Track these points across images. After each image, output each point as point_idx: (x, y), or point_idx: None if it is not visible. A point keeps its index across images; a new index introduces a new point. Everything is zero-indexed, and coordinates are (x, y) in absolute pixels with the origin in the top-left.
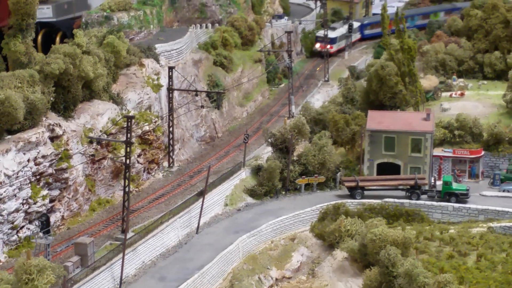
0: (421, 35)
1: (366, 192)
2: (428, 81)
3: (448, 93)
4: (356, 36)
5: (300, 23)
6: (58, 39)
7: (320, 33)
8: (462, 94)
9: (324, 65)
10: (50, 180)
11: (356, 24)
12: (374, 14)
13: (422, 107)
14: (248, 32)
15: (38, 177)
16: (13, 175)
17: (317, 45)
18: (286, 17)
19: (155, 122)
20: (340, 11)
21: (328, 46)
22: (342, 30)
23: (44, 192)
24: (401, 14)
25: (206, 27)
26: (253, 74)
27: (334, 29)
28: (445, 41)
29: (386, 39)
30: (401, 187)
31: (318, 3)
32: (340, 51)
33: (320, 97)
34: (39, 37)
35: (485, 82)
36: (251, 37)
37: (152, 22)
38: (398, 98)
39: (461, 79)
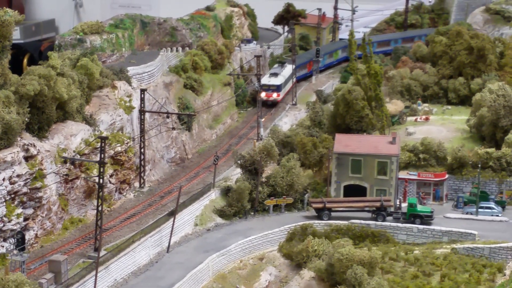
0: (387, 60)
1: (333, 214)
2: (394, 105)
3: (413, 118)
4: (293, 79)
5: (268, 48)
6: (25, 60)
7: (264, 80)
8: (427, 119)
9: (292, 90)
10: (25, 199)
11: (290, 68)
12: (341, 39)
13: (388, 131)
14: (217, 56)
15: (12, 195)
16: None
17: (263, 94)
18: (254, 42)
19: (127, 143)
20: (308, 36)
21: (275, 95)
22: (285, 72)
23: (19, 210)
24: (368, 40)
25: (177, 50)
26: (223, 97)
27: (276, 75)
28: (410, 66)
29: (353, 64)
30: (367, 208)
31: (286, 28)
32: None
33: (288, 120)
34: None
35: (449, 107)
36: (220, 60)
37: (124, 45)
38: (364, 122)
39: (426, 104)
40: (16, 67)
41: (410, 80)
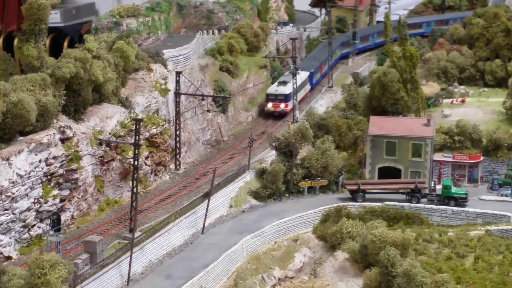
0: (424, 42)
1: (367, 195)
2: (430, 88)
3: (449, 100)
4: (306, 88)
5: (305, 30)
6: (66, 44)
7: (271, 89)
8: (463, 101)
9: (328, 73)
10: (61, 181)
11: (304, 74)
12: (378, 22)
13: (424, 113)
14: (253, 39)
15: (49, 177)
16: (25, 175)
17: (269, 105)
18: (291, 24)
19: (163, 125)
20: (345, 19)
21: (283, 105)
22: (297, 80)
23: (55, 192)
24: (403, 22)
25: (213, 33)
26: (258, 80)
27: (285, 83)
28: (447, 49)
29: (389, 46)
30: (401, 190)
31: (323, 11)
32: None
33: (324, 103)
34: (47, 42)
35: (485, 89)
36: (256, 43)
37: (160, 28)
38: (400, 104)
39: (462, 86)
40: (57, 50)
41: (446, 62)
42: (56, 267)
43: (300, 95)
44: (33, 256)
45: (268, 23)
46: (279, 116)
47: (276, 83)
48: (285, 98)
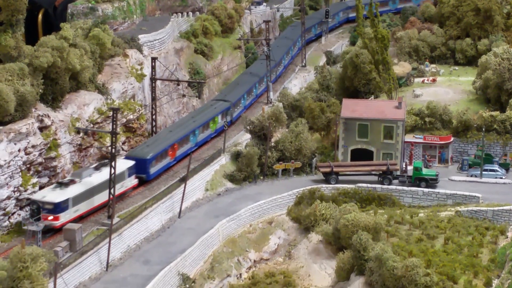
0: (396, 19)
1: (340, 177)
2: (401, 67)
3: (421, 79)
4: (123, 184)
5: (278, 10)
6: (40, 16)
7: (39, 195)
8: (434, 80)
9: (302, 51)
10: (40, 169)
11: (122, 165)
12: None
13: (395, 93)
14: (227, 20)
15: (28, 165)
16: (4, 164)
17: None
18: (264, 4)
19: (139, 111)
20: None
21: (51, 218)
22: (95, 178)
23: (34, 180)
24: (374, 3)
25: (187, 15)
26: (233, 61)
27: (68, 184)
28: (418, 27)
29: (361, 28)
30: (373, 172)
31: None
32: (83, 217)
33: (297, 83)
34: None
35: (456, 67)
36: (230, 25)
37: (135, 12)
38: (372, 84)
39: (434, 65)
40: (31, 23)
41: (418, 41)
42: (37, 260)
43: (100, 198)
44: (15, 250)
45: (241, 3)
46: (49, 230)
47: (54, 184)
48: (55, 207)
